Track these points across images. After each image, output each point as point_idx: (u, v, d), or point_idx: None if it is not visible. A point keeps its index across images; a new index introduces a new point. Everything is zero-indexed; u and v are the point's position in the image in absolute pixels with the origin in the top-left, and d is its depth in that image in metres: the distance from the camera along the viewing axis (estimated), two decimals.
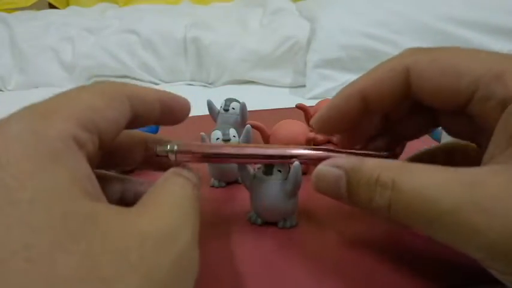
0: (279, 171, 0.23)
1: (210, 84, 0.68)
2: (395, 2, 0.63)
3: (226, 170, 0.30)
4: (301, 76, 0.63)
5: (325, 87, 0.59)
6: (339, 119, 0.21)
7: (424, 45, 0.58)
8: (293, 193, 0.23)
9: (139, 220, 0.13)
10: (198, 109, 0.44)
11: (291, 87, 0.65)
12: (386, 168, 0.16)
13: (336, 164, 0.18)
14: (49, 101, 0.14)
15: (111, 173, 0.21)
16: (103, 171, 0.20)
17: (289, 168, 0.23)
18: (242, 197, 0.29)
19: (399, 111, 0.21)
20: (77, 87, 0.16)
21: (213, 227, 0.25)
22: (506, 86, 0.15)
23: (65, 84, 0.69)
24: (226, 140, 0.29)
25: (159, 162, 0.21)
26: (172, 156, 0.19)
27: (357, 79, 0.20)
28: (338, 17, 0.62)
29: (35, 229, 0.10)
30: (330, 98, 0.43)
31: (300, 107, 0.39)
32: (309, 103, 0.40)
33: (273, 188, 0.23)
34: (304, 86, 0.61)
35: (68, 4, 0.97)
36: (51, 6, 0.98)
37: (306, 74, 0.61)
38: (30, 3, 0.93)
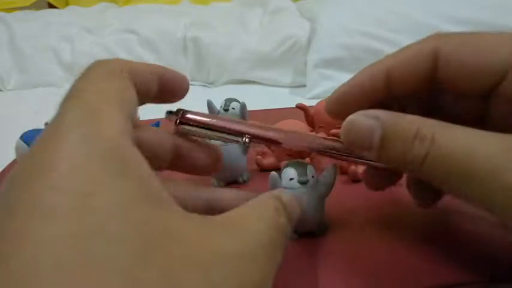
0: (312, 176, 0.22)
1: (209, 84, 0.68)
2: (396, 1, 0.63)
3: (226, 169, 0.30)
4: (301, 76, 0.63)
5: (325, 87, 0.59)
6: (358, 98, 0.19)
7: None
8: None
9: (223, 237, 0.12)
10: (198, 109, 0.44)
11: (291, 87, 0.64)
12: (426, 123, 0.16)
13: (373, 115, 0.17)
14: (90, 91, 0.13)
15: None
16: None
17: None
18: None
19: (416, 99, 0.20)
20: (84, 75, 0.14)
21: None
22: None
23: (64, 84, 0.69)
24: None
25: (188, 164, 0.19)
26: (173, 118, 0.18)
27: (383, 59, 0.19)
28: (338, 17, 0.62)
29: (114, 239, 0.10)
30: None
31: (300, 107, 0.38)
32: (309, 103, 0.40)
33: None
34: (304, 85, 0.61)
35: (67, 4, 0.97)
36: (51, 5, 0.98)
37: (306, 73, 0.61)
38: (29, 2, 0.93)
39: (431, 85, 0.18)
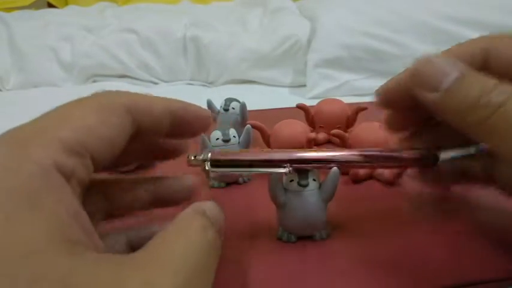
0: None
1: (209, 83, 0.68)
2: (396, 1, 0.63)
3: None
4: (302, 76, 0.62)
5: (325, 86, 0.59)
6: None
7: (425, 44, 0.58)
8: (329, 201, 0.23)
9: (140, 274, 0.11)
10: None
11: (291, 86, 0.64)
12: (496, 87, 0.16)
13: (453, 61, 0.17)
14: (34, 122, 0.13)
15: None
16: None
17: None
18: (242, 197, 0.29)
19: None
20: (72, 102, 0.14)
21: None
22: None
23: (64, 83, 0.69)
24: (226, 141, 0.28)
25: (165, 150, 0.19)
26: (206, 166, 0.18)
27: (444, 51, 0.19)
28: (339, 16, 0.62)
29: None
30: (331, 97, 0.43)
31: (300, 106, 0.38)
32: (309, 103, 0.40)
33: (312, 198, 0.22)
34: (304, 85, 0.61)
35: (66, 3, 0.97)
36: (50, 5, 0.98)
37: (306, 73, 0.60)
38: (29, 2, 0.93)
39: None
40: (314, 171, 0.22)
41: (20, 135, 0.13)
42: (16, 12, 0.82)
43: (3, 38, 0.71)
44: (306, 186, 0.21)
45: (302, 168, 0.21)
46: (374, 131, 0.30)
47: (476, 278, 0.20)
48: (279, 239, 0.23)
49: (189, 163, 0.18)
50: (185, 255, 0.12)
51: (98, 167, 0.14)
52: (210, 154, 0.18)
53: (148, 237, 0.14)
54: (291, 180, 0.22)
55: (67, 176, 0.12)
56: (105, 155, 0.14)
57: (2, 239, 0.10)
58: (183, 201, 0.19)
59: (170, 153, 0.20)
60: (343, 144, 0.31)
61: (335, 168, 0.21)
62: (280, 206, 0.22)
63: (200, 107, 0.18)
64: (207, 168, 0.18)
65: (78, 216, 0.12)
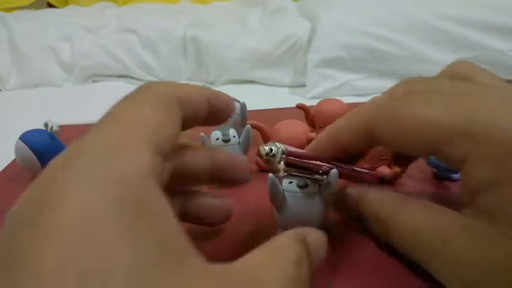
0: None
1: (209, 83, 0.68)
2: (396, 1, 0.63)
3: None
4: (302, 76, 0.62)
5: (325, 86, 0.59)
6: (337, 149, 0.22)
7: (425, 44, 0.58)
8: (246, 151, 0.23)
9: None
10: None
11: (291, 86, 0.64)
12: (382, 205, 0.20)
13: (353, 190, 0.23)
14: (113, 122, 0.13)
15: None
16: None
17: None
18: (242, 197, 0.29)
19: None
20: (130, 99, 0.14)
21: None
22: (461, 148, 0.16)
23: (63, 83, 0.69)
24: (226, 140, 0.28)
25: (227, 178, 0.19)
26: (277, 158, 0.17)
27: (331, 130, 0.23)
28: (339, 16, 0.62)
29: None
30: (331, 97, 0.43)
31: (300, 106, 0.38)
32: (309, 103, 0.40)
33: (310, 200, 0.21)
34: (304, 85, 0.61)
35: (66, 3, 0.97)
36: (50, 5, 0.98)
37: (306, 73, 0.60)
38: (28, 2, 0.93)
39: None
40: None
41: (110, 141, 0.12)
42: (16, 12, 0.82)
43: (3, 38, 0.71)
44: (304, 187, 0.21)
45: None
46: None
47: None
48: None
49: (260, 156, 0.17)
50: (278, 284, 0.12)
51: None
52: (284, 150, 0.17)
53: (201, 207, 0.16)
54: (290, 182, 0.22)
55: (157, 176, 0.12)
56: (170, 150, 0.14)
57: (117, 252, 0.09)
58: (218, 222, 0.20)
59: None
60: None
61: (334, 170, 0.21)
62: (278, 207, 0.22)
63: (226, 94, 0.18)
64: (281, 167, 0.18)
65: (175, 220, 0.12)
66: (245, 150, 0.30)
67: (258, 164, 0.33)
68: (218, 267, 0.12)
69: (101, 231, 0.10)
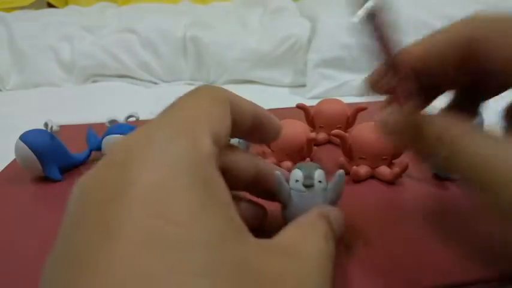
0: (320, 181, 0.21)
1: (210, 83, 0.68)
2: (396, 1, 0.63)
3: None
4: (302, 76, 0.62)
5: (325, 86, 0.59)
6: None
7: None
8: (335, 202, 0.22)
9: (285, 262, 0.13)
10: None
11: (291, 86, 0.64)
12: (448, 127, 0.17)
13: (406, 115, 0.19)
14: (178, 112, 0.14)
15: None
16: None
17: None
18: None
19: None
20: (190, 96, 0.15)
21: None
22: None
23: (63, 83, 0.69)
24: None
25: (263, 189, 0.20)
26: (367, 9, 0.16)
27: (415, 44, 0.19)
28: (339, 16, 0.62)
29: (207, 278, 0.10)
30: (331, 97, 0.43)
31: (300, 106, 0.38)
32: (309, 103, 0.40)
33: (316, 199, 0.21)
34: (304, 85, 0.61)
35: (66, 3, 0.97)
36: (50, 5, 0.98)
37: (306, 73, 0.60)
38: (28, 2, 0.93)
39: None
40: (321, 172, 0.22)
41: (178, 125, 0.13)
42: (16, 12, 0.82)
43: (3, 38, 0.71)
44: (310, 187, 0.21)
45: None
46: (374, 131, 0.30)
47: (475, 277, 0.20)
48: None
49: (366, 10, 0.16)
50: (311, 254, 0.14)
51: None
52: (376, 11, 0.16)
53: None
54: (297, 181, 0.21)
55: (217, 165, 0.13)
56: (224, 145, 0.15)
57: (197, 226, 0.11)
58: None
59: None
60: (343, 144, 0.31)
61: (341, 171, 0.21)
62: (284, 205, 0.22)
63: (275, 117, 0.19)
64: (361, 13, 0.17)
65: (233, 204, 0.13)
66: (245, 150, 0.30)
67: None
68: (266, 242, 0.13)
69: (179, 202, 0.11)
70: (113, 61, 0.67)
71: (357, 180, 0.30)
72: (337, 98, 0.40)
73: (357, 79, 0.59)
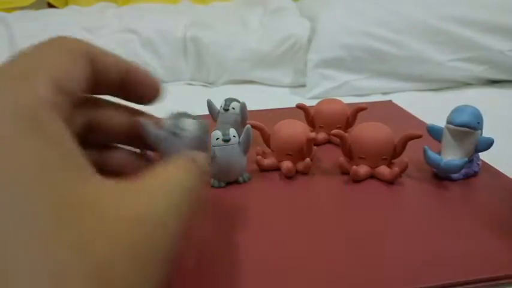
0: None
1: (210, 83, 0.68)
2: (396, 1, 0.63)
3: (227, 169, 0.30)
4: (302, 76, 0.62)
5: (325, 87, 0.59)
6: None
7: (425, 44, 0.58)
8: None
9: (136, 201, 0.13)
10: (198, 109, 0.43)
11: (291, 87, 0.64)
12: None
13: None
14: (21, 60, 0.14)
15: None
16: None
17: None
18: (242, 197, 0.29)
19: None
20: (42, 45, 0.15)
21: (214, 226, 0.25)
22: None
23: None
24: (227, 140, 0.28)
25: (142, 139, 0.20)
26: None
27: None
28: (339, 17, 0.62)
29: (27, 206, 0.10)
30: (330, 97, 0.43)
31: (300, 106, 0.38)
32: (309, 103, 0.40)
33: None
34: (304, 85, 0.61)
35: (66, 3, 0.97)
36: (50, 5, 0.98)
37: (306, 73, 0.61)
38: (29, 2, 0.93)
39: None
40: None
41: (16, 70, 0.13)
42: (16, 13, 0.82)
43: (4, 38, 0.71)
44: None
45: None
46: (373, 130, 0.30)
47: (475, 276, 0.20)
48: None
49: None
50: (173, 188, 0.15)
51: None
52: None
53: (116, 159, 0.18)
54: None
55: (60, 112, 0.13)
56: (76, 96, 0.15)
57: (16, 159, 0.10)
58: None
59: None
60: (343, 144, 0.31)
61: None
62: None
63: (153, 75, 0.18)
64: None
65: (76, 146, 0.13)
66: (245, 150, 0.30)
67: (258, 164, 0.33)
68: (113, 180, 0.13)
69: (6, 149, 0.10)
70: None
71: (357, 180, 0.30)
72: (337, 98, 0.41)
73: (356, 79, 0.59)
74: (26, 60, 0.14)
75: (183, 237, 0.14)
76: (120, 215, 0.12)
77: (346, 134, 0.31)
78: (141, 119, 0.20)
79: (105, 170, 0.19)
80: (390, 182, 0.30)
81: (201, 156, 0.17)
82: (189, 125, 0.22)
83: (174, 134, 0.22)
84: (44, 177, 0.10)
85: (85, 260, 0.10)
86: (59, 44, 0.15)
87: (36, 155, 0.11)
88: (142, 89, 0.18)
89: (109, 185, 0.13)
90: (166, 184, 0.15)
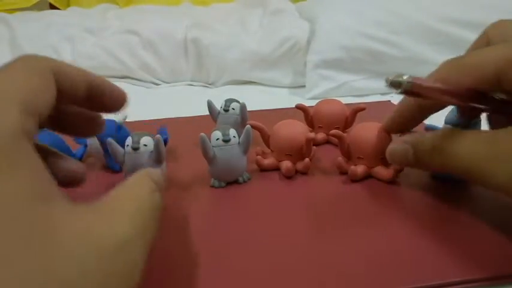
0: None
1: (210, 84, 0.68)
2: (396, 2, 0.63)
3: (227, 170, 0.30)
4: (301, 76, 0.63)
5: (324, 87, 0.59)
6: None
7: (424, 46, 0.58)
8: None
9: (100, 223, 0.13)
10: (198, 109, 0.44)
11: (290, 87, 0.65)
12: (438, 138, 0.22)
13: (403, 141, 0.25)
14: None
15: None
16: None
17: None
18: (242, 197, 0.29)
19: None
20: (3, 66, 0.15)
21: (211, 224, 0.25)
22: None
23: None
24: (227, 141, 0.29)
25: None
26: (405, 86, 0.19)
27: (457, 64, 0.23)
28: (338, 18, 0.62)
29: None
30: (330, 98, 0.44)
31: (299, 107, 0.39)
32: (308, 103, 0.40)
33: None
34: (303, 86, 0.61)
35: (68, 5, 0.97)
36: (52, 6, 0.98)
37: (305, 74, 0.61)
38: (31, 3, 0.93)
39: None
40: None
41: None
42: (18, 14, 0.82)
43: (6, 38, 0.72)
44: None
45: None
46: (372, 131, 0.31)
47: (475, 276, 0.20)
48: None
49: (389, 83, 0.19)
50: (139, 209, 0.15)
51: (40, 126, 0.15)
52: (408, 78, 0.19)
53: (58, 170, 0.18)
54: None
55: (28, 135, 0.13)
56: (45, 113, 0.15)
57: None
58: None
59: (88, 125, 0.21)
60: (341, 144, 0.32)
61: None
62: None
63: (118, 87, 0.19)
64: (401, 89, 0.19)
65: (43, 173, 0.13)
66: (245, 150, 0.30)
67: (258, 164, 0.33)
68: (82, 205, 0.14)
69: None
70: (114, 62, 0.67)
71: (354, 179, 0.31)
72: (336, 98, 0.41)
73: (355, 80, 0.59)
74: None
75: (149, 254, 0.15)
76: (85, 241, 0.12)
77: (345, 134, 0.32)
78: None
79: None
80: (388, 182, 0.30)
81: (157, 172, 0.18)
82: (147, 141, 0.27)
83: (135, 149, 0.27)
84: (13, 210, 0.11)
85: (53, 284, 0.11)
86: (24, 64, 0.15)
87: (5, 188, 0.11)
88: (108, 100, 0.19)
89: (78, 209, 0.13)
90: (128, 205, 0.15)
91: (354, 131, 0.32)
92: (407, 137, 0.25)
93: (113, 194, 0.15)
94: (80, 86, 0.17)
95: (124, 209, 0.15)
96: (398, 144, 0.25)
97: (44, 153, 0.17)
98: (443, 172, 0.27)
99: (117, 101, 0.20)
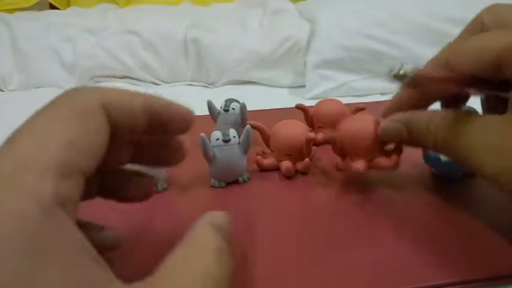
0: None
1: (210, 84, 0.68)
2: (395, 2, 0.63)
3: (227, 170, 0.30)
4: (301, 76, 0.63)
5: (324, 87, 0.59)
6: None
7: (424, 46, 0.58)
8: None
9: None
10: (198, 109, 0.44)
11: (290, 87, 0.65)
12: (432, 119, 0.22)
13: (395, 120, 0.25)
14: (13, 146, 0.11)
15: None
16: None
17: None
18: (242, 197, 0.29)
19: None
20: (44, 111, 0.13)
21: None
22: None
23: (65, 84, 0.69)
24: (227, 141, 0.29)
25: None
26: (408, 79, 0.19)
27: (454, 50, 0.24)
28: (338, 18, 0.62)
29: None
30: (330, 98, 0.43)
31: (299, 107, 0.39)
32: (308, 103, 0.40)
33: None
34: (303, 86, 0.61)
35: (68, 5, 0.97)
36: (52, 6, 0.98)
37: (305, 74, 0.61)
38: (31, 3, 0.93)
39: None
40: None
41: (6, 165, 0.11)
42: (18, 14, 0.82)
43: (6, 39, 0.72)
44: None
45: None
46: (363, 124, 0.29)
47: (475, 276, 0.20)
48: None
49: (393, 75, 0.19)
50: (205, 280, 0.13)
51: (86, 179, 0.13)
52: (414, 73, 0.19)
53: (121, 182, 0.17)
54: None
55: (64, 202, 0.11)
56: (92, 165, 0.13)
57: None
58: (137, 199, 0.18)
59: (168, 157, 0.19)
60: (334, 146, 0.31)
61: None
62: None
63: (182, 106, 0.16)
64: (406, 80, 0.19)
65: (87, 250, 0.11)
66: (245, 150, 0.30)
67: (258, 164, 0.33)
68: (137, 284, 0.12)
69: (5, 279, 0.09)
70: (114, 62, 0.67)
71: (358, 174, 0.29)
72: (336, 98, 0.41)
73: (355, 80, 0.60)
74: (21, 144, 0.11)
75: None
76: None
77: (335, 135, 0.30)
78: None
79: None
80: (392, 170, 0.29)
81: (219, 217, 0.16)
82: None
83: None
84: None
85: None
86: (64, 105, 0.13)
87: (39, 283, 0.09)
88: (173, 123, 0.16)
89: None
90: (191, 281, 0.12)
91: (344, 129, 0.30)
92: (399, 116, 0.24)
93: (170, 263, 0.13)
94: (138, 115, 0.14)
95: (190, 278, 0.12)
96: (390, 122, 0.25)
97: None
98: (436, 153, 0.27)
99: (183, 122, 0.16)
